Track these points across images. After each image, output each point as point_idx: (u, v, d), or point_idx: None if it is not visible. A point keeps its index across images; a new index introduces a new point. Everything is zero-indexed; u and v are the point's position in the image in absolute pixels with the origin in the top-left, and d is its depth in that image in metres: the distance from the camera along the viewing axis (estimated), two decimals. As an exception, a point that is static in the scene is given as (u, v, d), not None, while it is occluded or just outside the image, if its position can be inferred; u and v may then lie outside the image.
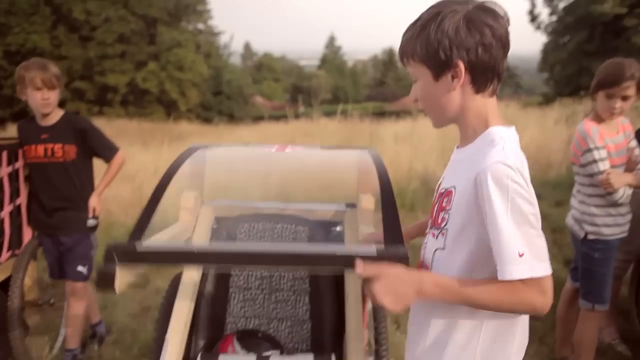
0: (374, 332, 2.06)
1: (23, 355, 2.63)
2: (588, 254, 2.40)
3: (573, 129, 8.52)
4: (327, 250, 1.17)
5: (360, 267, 1.09)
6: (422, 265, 1.29)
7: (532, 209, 1.08)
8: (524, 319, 1.22)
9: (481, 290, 1.09)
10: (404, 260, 1.12)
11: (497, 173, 1.06)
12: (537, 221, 1.08)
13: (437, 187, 1.31)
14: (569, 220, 2.51)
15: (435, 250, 1.22)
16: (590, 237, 2.37)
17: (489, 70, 1.14)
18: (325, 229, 2.24)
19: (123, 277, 1.24)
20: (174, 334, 1.70)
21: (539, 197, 1.11)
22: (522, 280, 1.05)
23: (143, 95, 25.06)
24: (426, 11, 1.17)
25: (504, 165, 1.07)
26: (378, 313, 2.12)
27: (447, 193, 1.21)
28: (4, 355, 2.58)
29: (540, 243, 1.08)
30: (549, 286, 1.08)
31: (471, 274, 1.15)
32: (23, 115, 2.82)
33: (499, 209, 1.05)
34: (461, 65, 1.12)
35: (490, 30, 1.11)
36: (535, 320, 3.15)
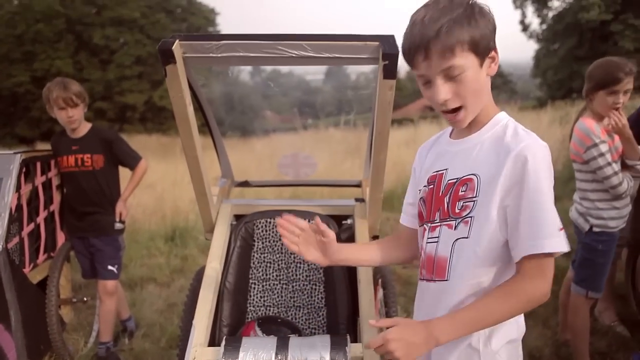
0: (386, 316, 2.09)
1: (61, 348, 2.69)
2: (591, 246, 2.33)
3: (566, 128, 8.50)
4: None
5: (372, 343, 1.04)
6: (433, 261, 1.20)
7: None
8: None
9: (488, 302, 1.08)
10: None
11: (539, 151, 1.07)
12: None
13: (430, 179, 1.24)
14: (573, 214, 2.44)
15: (455, 241, 1.15)
16: (596, 229, 2.30)
17: None
18: (337, 222, 2.27)
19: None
20: (200, 319, 1.73)
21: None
22: (529, 262, 1.06)
23: (160, 112, 25.19)
24: None
25: (543, 145, 1.08)
26: (389, 299, 2.15)
27: (465, 181, 1.14)
28: (44, 349, 2.63)
29: None
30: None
31: (500, 255, 1.12)
32: (50, 134, 2.94)
33: (543, 186, 1.05)
34: (497, 48, 1.13)
35: None
36: (538, 306, 3.16)
